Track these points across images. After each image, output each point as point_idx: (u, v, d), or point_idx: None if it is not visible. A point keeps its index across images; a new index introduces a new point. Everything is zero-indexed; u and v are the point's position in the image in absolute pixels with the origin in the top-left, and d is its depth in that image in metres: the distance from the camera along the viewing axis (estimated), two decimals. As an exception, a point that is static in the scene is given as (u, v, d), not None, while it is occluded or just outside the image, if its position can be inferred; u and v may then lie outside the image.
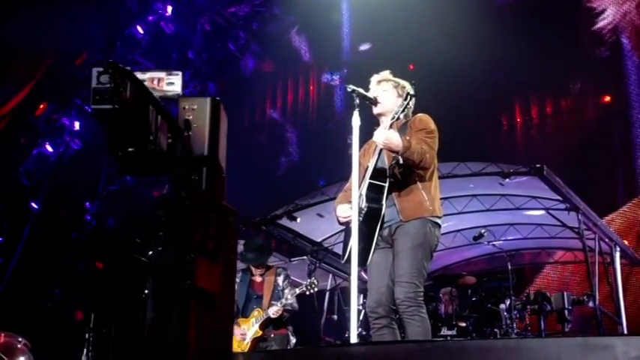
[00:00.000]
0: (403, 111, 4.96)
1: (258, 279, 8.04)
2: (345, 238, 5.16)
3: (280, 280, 7.99)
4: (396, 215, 4.88)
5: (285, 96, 15.34)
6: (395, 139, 4.74)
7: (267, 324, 7.72)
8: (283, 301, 7.66)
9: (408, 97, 4.98)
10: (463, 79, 11.85)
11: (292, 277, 10.36)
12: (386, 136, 4.77)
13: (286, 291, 7.87)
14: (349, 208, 4.94)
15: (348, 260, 4.87)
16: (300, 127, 14.93)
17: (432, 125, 5.06)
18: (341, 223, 5.20)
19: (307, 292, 7.91)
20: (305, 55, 14.76)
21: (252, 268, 8.07)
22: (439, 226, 4.99)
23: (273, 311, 7.60)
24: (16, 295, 13.33)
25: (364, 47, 14.51)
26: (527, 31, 12.22)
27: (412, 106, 5.12)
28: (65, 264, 14.18)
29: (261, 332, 7.71)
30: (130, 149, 2.63)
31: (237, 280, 8.04)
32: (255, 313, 7.80)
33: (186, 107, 2.62)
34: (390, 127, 4.96)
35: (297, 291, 7.78)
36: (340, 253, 5.22)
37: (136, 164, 2.71)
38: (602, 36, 12.45)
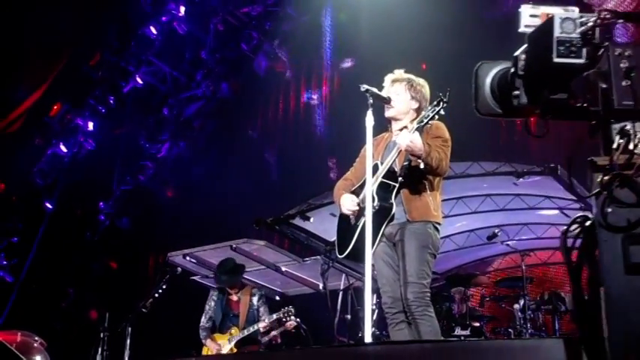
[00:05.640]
0: (433, 117, 4.81)
1: (235, 298, 8.50)
2: (340, 233, 5.18)
3: (255, 300, 8.52)
4: (402, 215, 4.91)
5: (299, 93, 15.32)
6: (419, 144, 4.69)
7: (242, 342, 8.21)
8: (272, 317, 8.25)
9: (442, 103, 4.81)
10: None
11: (305, 277, 10.47)
12: (410, 139, 4.70)
13: (261, 309, 8.46)
14: (355, 201, 5.01)
15: (348, 256, 5.01)
16: (319, 126, 14.92)
17: (447, 134, 5.04)
18: (343, 213, 5.17)
19: (284, 319, 8.39)
20: (320, 53, 14.76)
21: (228, 288, 8.50)
22: (439, 231, 5.02)
23: (262, 325, 8.22)
24: (31, 295, 13.41)
25: (347, 64, 14.64)
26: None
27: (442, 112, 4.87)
28: (79, 263, 14.25)
29: (235, 350, 8.14)
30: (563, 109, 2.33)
31: (214, 298, 8.56)
32: (232, 331, 8.27)
33: (621, 53, 2.23)
34: (401, 130, 4.99)
35: (274, 316, 8.32)
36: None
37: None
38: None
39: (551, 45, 2.19)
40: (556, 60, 2.18)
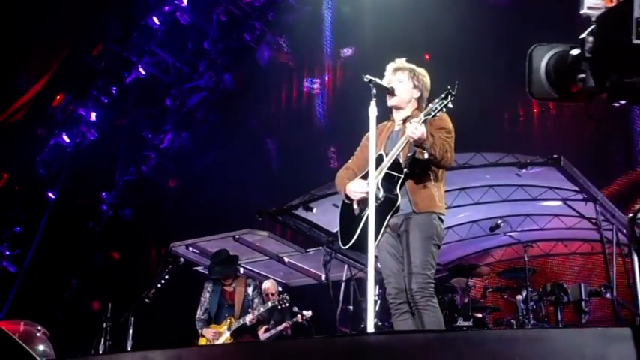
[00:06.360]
0: (440, 110, 4.76)
1: (230, 288, 8.52)
2: (344, 223, 5.17)
3: (250, 290, 8.53)
4: (408, 206, 4.91)
5: (301, 84, 15.30)
6: (425, 136, 4.71)
7: (238, 332, 8.18)
8: (259, 310, 8.20)
9: (450, 96, 4.76)
10: (478, 68, 11.79)
11: (308, 268, 10.49)
12: (422, 131, 4.67)
13: (256, 300, 8.46)
14: (364, 183, 4.95)
15: (352, 246, 4.99)
16: (320, 116, 14.92)
17: (451, 125, 5.03)
18: (349, 200, 5.14)
19: (279, 306, 8.47)
20: (322, 44, 14.75)
21: (221, 279, 8.52)
22: (443, 222, 5.04)
23: (249, 319, 8.16)
24: (34, 285, 13.45)
25: (350, 54, 14.62)
26: (545, 18, 12.12)
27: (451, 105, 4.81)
28: (82, 254, 14.28)
29: (231, 339, 8.13)
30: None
31: (209, 289, 8.55)
32: (228, 321, 8.28)
33: None
34: (404, 120, 5.00)
35: (269, 304, 8.34)
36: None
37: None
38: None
39: (630, 26, 2.11)
40: (636, 41, 2.11)
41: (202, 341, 8.25)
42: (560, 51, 2.48)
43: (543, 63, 2.45)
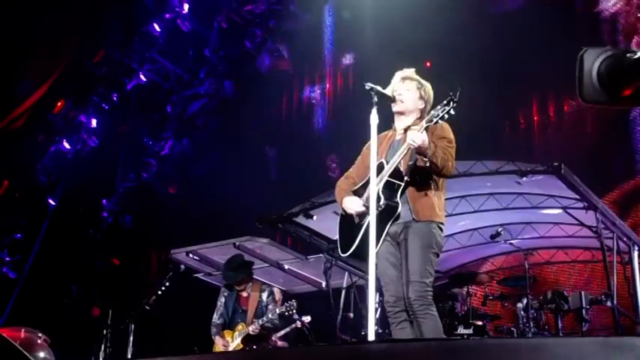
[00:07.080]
0: (442, 117, 4.79)
1: (245, 294, 8.42)
2: (343, 231, 5.19)
3: (264, 296, 8.44)
4: (408, 214, 4.93)
5: (301, 91, 15.32)
6: (427, 142, 4.73)
7: (249, 338, 8.06)
8: (264, 318, 8.05)
9: (452, 103, 4.78)
10: (480, 76, 11.79)
11: (308, 275, 10.47)
12: (422, 139, 4.71)
13: (270, 306, 8.32)
14: (360, 202, 5.03)
15: (352, 254, 5.02)
16: (321, 123, 14.93)
17: (452, 135, 5.06)
18: (346, 214, 5.17)
19: (287, 313, 8.30)
20: (324, 51, 14.78)
21: (235, 285, 8.42)
22: (442, 231, 5.06)
23: (252, 329, 8.00)
24: (34, 291, 13.43)
25: (350, 62, 14.66)
26: (546, 26, 12.14)
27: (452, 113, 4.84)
28: (82, 260, 14.27)
29: (242, 345, 8.03)
30: None
31: (225, 294, 8.47)
32: (239, 327, 8.18)
33: None
34: (406, 129, 5.04)
35: (278, 311, 8.18)
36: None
37: None
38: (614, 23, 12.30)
39: None
40: None
41: (215, 349, 8.20)
42: (613, 54, 2.48)
43: (595, 66, 2.45)
